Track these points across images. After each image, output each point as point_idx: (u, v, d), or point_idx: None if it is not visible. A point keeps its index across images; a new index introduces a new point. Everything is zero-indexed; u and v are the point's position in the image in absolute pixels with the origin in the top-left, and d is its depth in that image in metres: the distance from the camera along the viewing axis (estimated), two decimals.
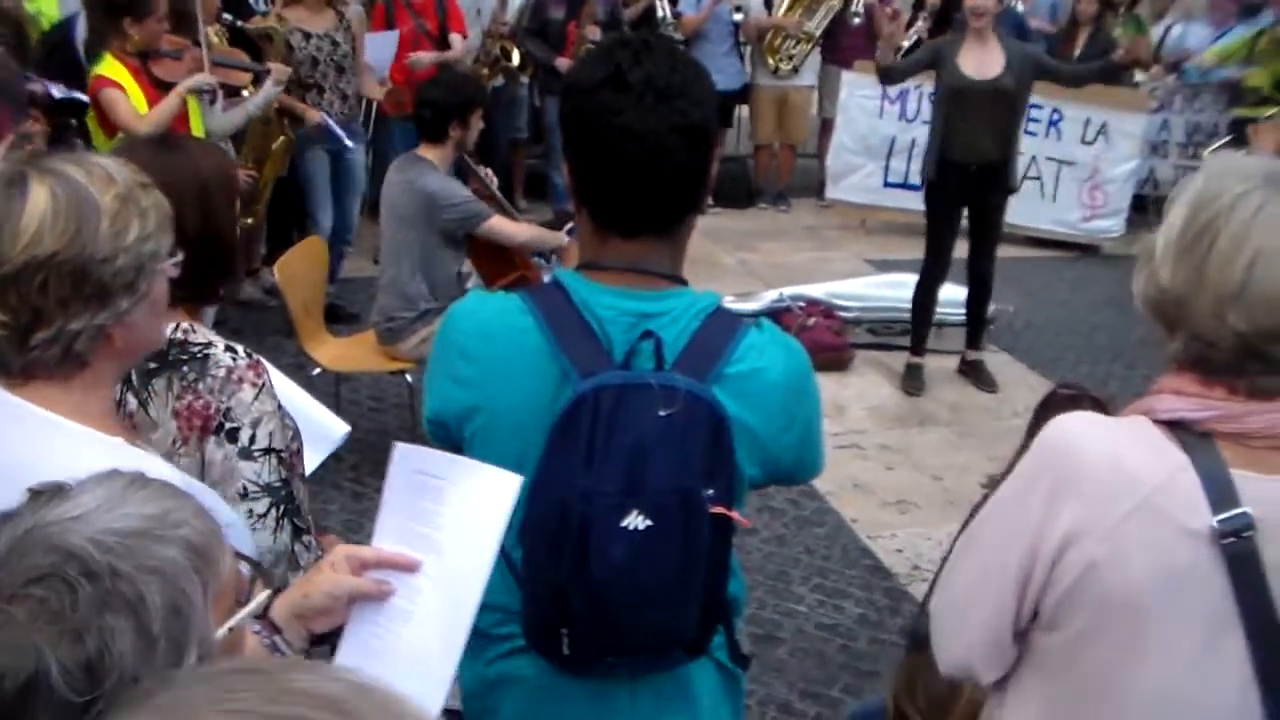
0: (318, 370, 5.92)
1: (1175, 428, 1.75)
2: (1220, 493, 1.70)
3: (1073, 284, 9.36)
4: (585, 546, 1.92)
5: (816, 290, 8.03)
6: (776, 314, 7.76)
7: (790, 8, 10.44)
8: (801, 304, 7.77)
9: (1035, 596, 1.79)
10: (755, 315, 7.82)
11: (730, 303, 7.82)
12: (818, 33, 10.49)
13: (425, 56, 8.14)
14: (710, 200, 10.52)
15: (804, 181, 11.27)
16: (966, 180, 6.78)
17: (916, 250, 9.57)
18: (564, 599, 1.97)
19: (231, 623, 1.32)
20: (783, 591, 5.11)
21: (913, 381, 7.29)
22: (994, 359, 7.72)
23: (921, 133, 9.97)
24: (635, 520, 1.91)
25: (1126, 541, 1.70)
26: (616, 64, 1.98)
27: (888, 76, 7.03)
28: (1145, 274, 1.80)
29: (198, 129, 5.63)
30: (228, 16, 6.61)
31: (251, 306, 7.61)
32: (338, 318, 7.29)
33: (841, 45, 10.61)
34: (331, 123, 7.08)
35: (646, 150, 1.95)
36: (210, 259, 2.33)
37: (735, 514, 1.98)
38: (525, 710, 2.20)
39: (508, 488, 1.73)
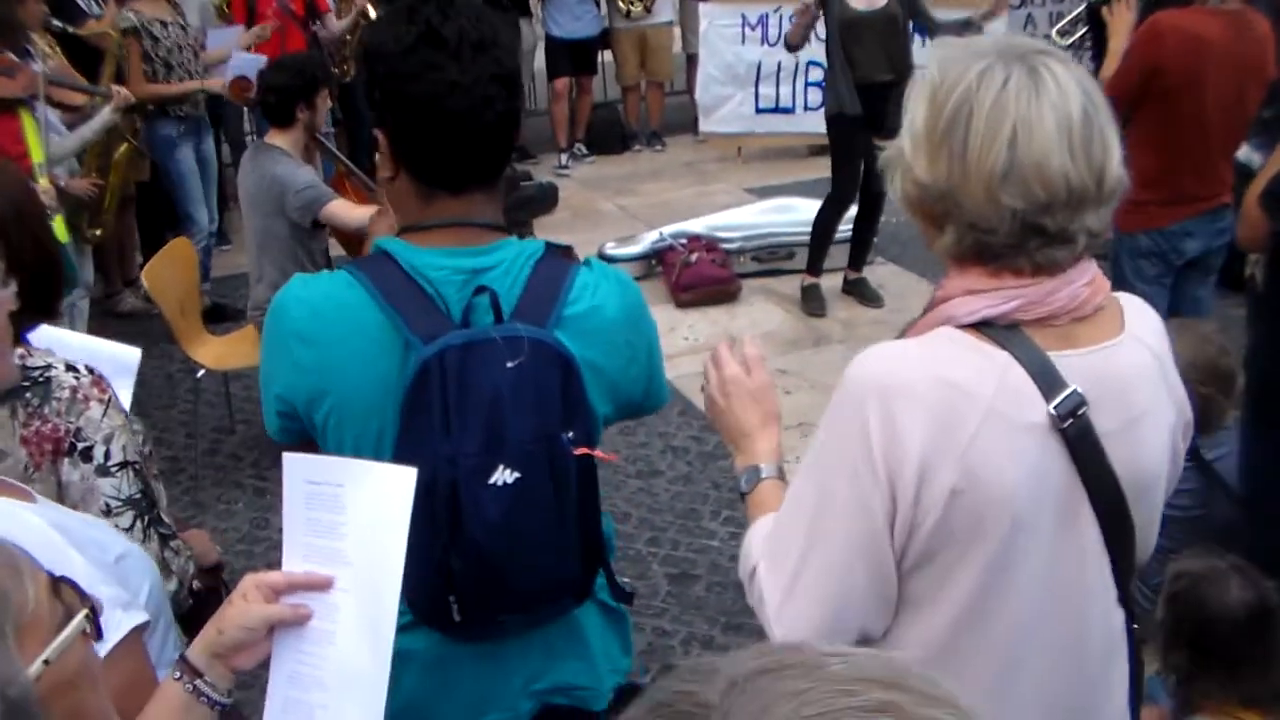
0: (203, 371, 5.83)
1: (983, 328, 1.71)
2: (1048, 379, 1.67)
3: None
4: (458, 510, 1.92)
5: (696, 225, 8.02)
6: (659, 253, 7.77)
7: None
8: (683, 240, 7.74)
9: (903, 541, 1.70)
10: (636, 259, 7.88)
11: (611, 248, 7.85)
12: None
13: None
14: (585, 149, 10.58)
15: (679, 119, 11.24)
16: (869, 99, 6.76)
17: (795, 173, 9.70)
18: (445, 566, 1.96)
19: (47, 653, 1.27)
20: (694, 529, 5.13)
21: (812, 302, 7.31)
22: (883, 270, 7.78)
23: (786, 55, 9.99)
24: (503, 475, 1.92)
25: (981, 459, 1.65)
26: (426, 21, 1.97)
27: (794, 49, 7.14)
28: (899, 174, 1.75)
29: (36, 154, 5.47)
30: (56, 23, 6.40)
31: (134, 317, 7.46)
32: (223, 316, 7.18)
33: None
34: (241, 60, 7.06)
35: (473, 103, 1.96)
36: (47, 277, 2.28)
37: (599, 452, 2.01)
38: (420, 684, 2.19)
39: (405, 482, 1.68)
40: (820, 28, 6.92)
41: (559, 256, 2.10)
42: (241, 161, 5.65)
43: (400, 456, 1.91)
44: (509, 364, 1.91)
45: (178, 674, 1.66)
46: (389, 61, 1.99)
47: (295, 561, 1.72)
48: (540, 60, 10.64)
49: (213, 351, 5.89)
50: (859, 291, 7.43)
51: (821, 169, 7.18)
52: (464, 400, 1.91)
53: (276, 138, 5.48)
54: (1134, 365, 1.76)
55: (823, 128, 7.13)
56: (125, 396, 2.56)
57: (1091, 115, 1.66)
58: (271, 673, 1.70)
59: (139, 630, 1.76)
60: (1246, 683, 2.77)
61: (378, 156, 2.10)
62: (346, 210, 5.39)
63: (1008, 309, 1.69)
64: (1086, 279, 1.72)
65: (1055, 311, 1.71)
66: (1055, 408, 1.67)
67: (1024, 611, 1.74)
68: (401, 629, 2.14)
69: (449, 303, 1.99)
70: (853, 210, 7.31)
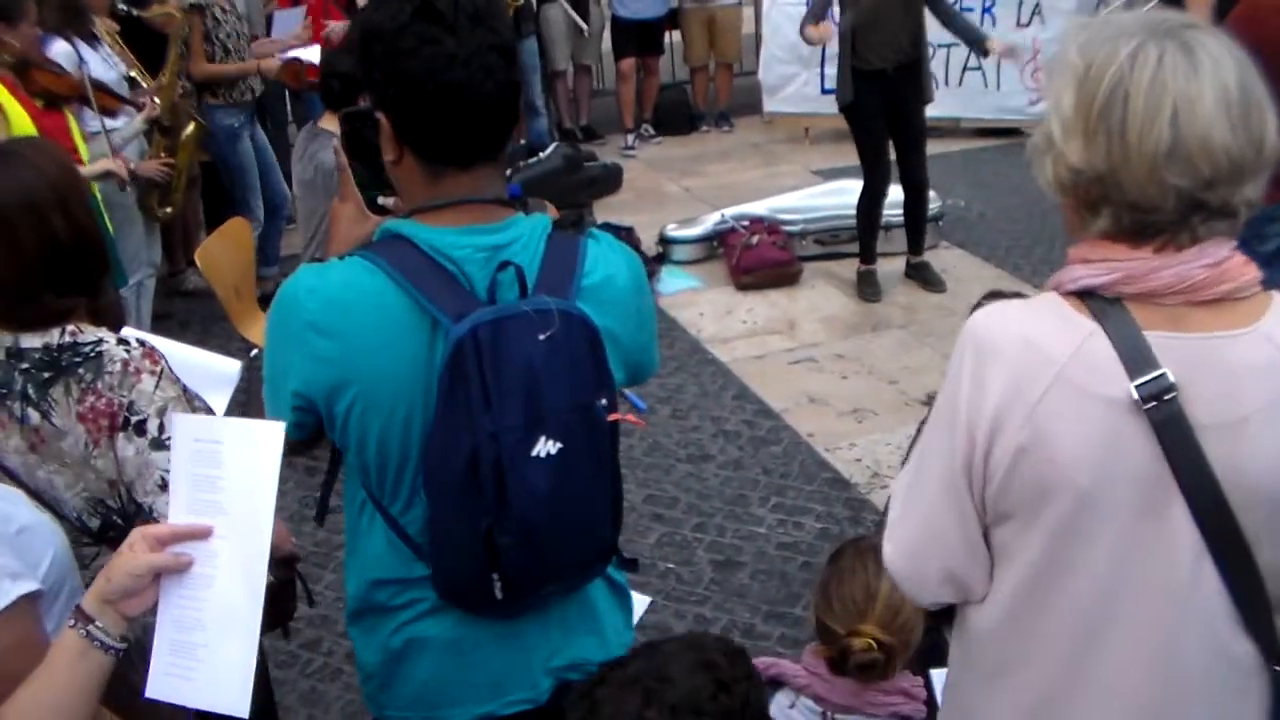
0: (257, 350, 5.84)
1: (1085, 297, 1.70)
2: (1136, 356, 1.64)
3: (1024, 170, 9.17)
4: (503, 484, 1.94)
5: (758, 207, 7.94)
6: (721, 235, 7.71)
7: None
8: (745, 222, 7.67)
9: (980, 492, 1.76)
10: (698, 241, 7.83)
11: (672, 230, 7.80)
12: None
13: (339, 25, 7.99)
14: (652, 130, 10.53)
15: (747, 100, 11.09)
16: (885, 86, 6.67)
17: None
18: (491, 544, 1.97)
19: None
20: (742, 515, 5.08)
21: (868, 288, 7.22)
22: (948, 255, 7.67)
23: None
24: (546, 447, 1.96)
25: (1048, 420, 1.66)
26: None
27: (815, 21, 6.90)
28: (1050, 160, 1.73)
29: (83, 151, 5.48)
30: (122, 6, 6.45)
31: (197, 295, 7.52)
32: None
33: None
34: (291, 54, 7.12)
35: (473, 74, 1.95)
36: (88, 258, 2.33)
37: (630, 416, 2.09)
38: (439, 669, 2.20)
39: (275, 436, 1.83)
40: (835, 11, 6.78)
41: (562, 231, 2.13)
42: (296, 145, 5.65)
43: (441, 436, 1.95)
44: (540, 336, 1.93)
45: (72, 621, 1.78)
46: (385, 39, 1.98)
47: (180, 513, 1.86)
48: (607, 41, 10.59)
49: None
50: (921, 276, 7.32)
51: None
52: (501, 375, 1.92)
53: (331, 122, 5.44)
54: (1251, 362, 1.66)
55: None
56: (221, 406, 2.59)
57: (1249, 86, 1.64)
58: (158, 617, 1.84)
59: (29, 599, 1.87)
60: None
61: (381, 140, 2.07)
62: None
63: (1108, 280, 1.69)
64: (1207, 261, 1.66)
65: (1158, 289, 1.66)
66: (1139, 386, 1.63)
67: (1095, 590, 1.72)
68: (416, 618, 2.16)
69: (474, 280, 1.99)
70: (899, 195, 7.20)
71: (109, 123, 5.83)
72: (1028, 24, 9.70)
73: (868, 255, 7.26)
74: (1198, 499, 1.65)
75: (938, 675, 2.43)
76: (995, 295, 3.42)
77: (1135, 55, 1.63)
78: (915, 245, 7.37)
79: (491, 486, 1.93)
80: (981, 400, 1.70)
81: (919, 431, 2.16)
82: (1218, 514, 1.66)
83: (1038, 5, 9.67)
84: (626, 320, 2.12)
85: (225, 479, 1.83)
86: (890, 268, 7.36)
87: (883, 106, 6.75)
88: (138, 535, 1.82)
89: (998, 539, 1.79)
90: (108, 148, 5.78)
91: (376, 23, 2.00)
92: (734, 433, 5.73)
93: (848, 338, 6.71)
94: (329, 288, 2.03)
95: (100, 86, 5.84)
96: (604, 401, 2.01)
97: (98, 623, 1.77)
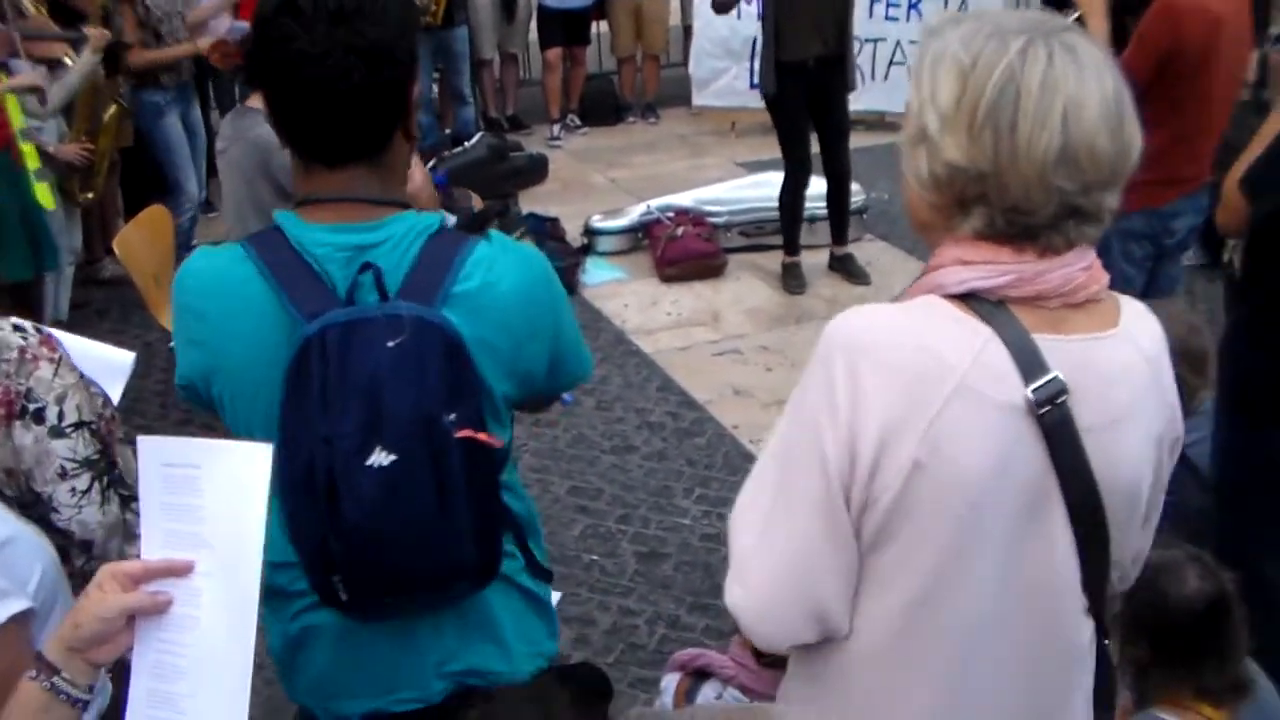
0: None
1: (969, 299, 1.65)
2: (1029, 361, 1.60)
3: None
4: (335, 491, 1.87)
5: (683, 199, 7.95)
6: (646, 227, 7.71)
7: None
8: (670, 214, 7.68)
9: (858, 515, 1.66)
10: (623, 232, 7.84)
11: (597, 221, 7.79)
12: None
13: None
14: (578, 121, 10.51)
15: (675, 91, 11.08)
16: (808, 78, 6.69)
17: None
18: (326, 548, 1.92)
19: None
20: (666, 506, 5.08)
21: (793, 280, 7.25)
22: (871, 247, 7.72)
23: None
24: (379, 457, 1.86)
25: (949, 432, 1.58)
26: None
27: (723, 4, 6.99)
28: (924, 154, 1.66)
29: (17, 119, 5.39)
30: None
31: (115, 284, 7.41)
32: None
33: None
34: (233, 25, 6.98)
35: (325, 74, 1.90)
36: None
37: (483, 435, 1.93)
38: (333, 659, 2.17)
39: (261, 459, 1.63)
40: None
41: (455, 231, 2.06)
42: (222, 127, 5.55)
43: (282, 436, 1.88)
44: (390, 343, 1.86)
45: (34, 672, 1.59)
46: (258, 28, 1.96)
47: (154, 548, 1.65)
48: (534, 31, 10.55)
49: None
50: (845, 268, 7.36)
51: (815, 143, 7.09)
52: (343, 379, 1.86)
53: (259, 101, 5.35)
54: (1121, 363, 1.69)
55: None
56: (116, 395, 2.53)
57: (1121, 93, 1.63)
58: (133, 664, 1.64)
59: (19, 618, 1.72)
60: (1204, 675, 2.72)
61: None
62: None
63: (998, 283, 1.63)
64: (1083, 264, 1.66)
65: (1046, 291, 1.64)
66: (1034, 391, 1.60)
67: (981, 604, 1.68)
68: (312, 605, 2.14)
69: (335, 280, 1.94)
70: (823, 188, 7.22)
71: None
72: (907, 19, 9.78)
73: (791, 247, 7.29)
74: (1077, 500, 1.66)
75: None
76: None
77: (1025, 53, 1.59)
78: (839, 236, 7.39)
79: (323, 491, 1.88)
80: (864, 413, 1.60)
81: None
82: (1092, 513, 1.67)
83: (964, 3, 9.76)
84: (509, 330, 2.02)
85: (206, 508, 1.64)
86: (814, 260, 7.39)
87: (805, 98, 6.77)
88: (107, 573, 1.62)
89: (874, 565, 1.70)
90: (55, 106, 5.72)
91: (257, 10, 1.99)
92: (658, 424, 5.73)
93: (772, 329, 6.73)
94: (204, 272, 2.03)
95: (35, 35, 5.75)
96: (452, 416, 1.90)
97: (63, 673, 1.59)
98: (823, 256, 7.46)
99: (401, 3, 2.00)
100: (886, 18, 9.62)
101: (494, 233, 2.08)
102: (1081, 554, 1.70)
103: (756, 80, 9.93)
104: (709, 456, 5.44)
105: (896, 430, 1.59)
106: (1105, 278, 1.71)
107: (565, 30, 10.32)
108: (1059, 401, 1.60)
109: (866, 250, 7.52)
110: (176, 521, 1.65)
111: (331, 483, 1.87)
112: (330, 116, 1.94)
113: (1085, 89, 1.58)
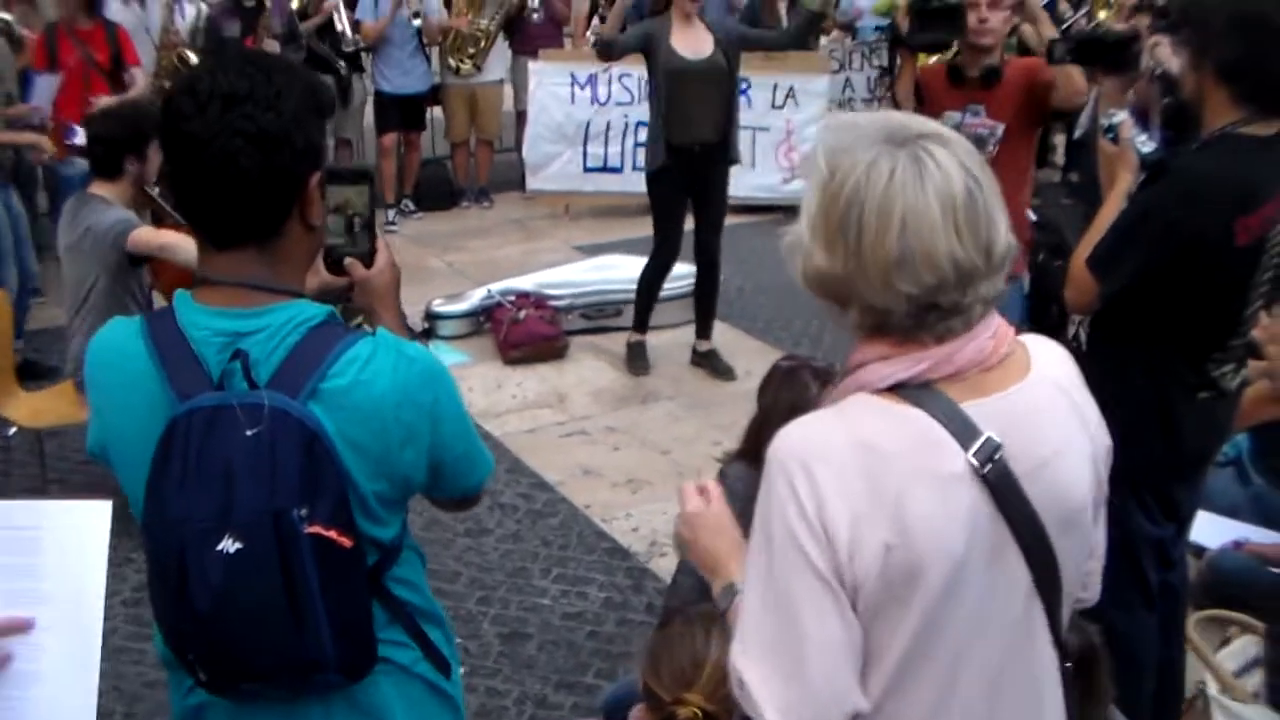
0: (14, 430, 5.63)
1: (896, 390, 1.78)
2: (962, 429, 1.75)
3: (780, 247, 9.52)
4: (185, 573, 1.88)
5: (525, 282, 8.03)
6: (488, 310, 7.76)
7: (461, 9, 10.42)
8: (512, 298, 7.74)
9: (851, 600, 1.74)
10: (464, 316, 7.84)
11: (439, 305, 7.81)
12: (493, 29, 10.48)
13: (108, 101, 7.74)
14: (413, 205, 10.54)
15: (507, 176, 11.23)
16: (691, 162, 6.81)
17: (623, 232, 9.77)
18: (180, 627, 1.94)
19: None
20: (525, 587, 5.10)
21: (637, 361, 7.33)
22: (725, 334, 7.84)
23: (615, 115, 10.14)
24: (228, 544, 1.86)
25: (912, 514, 1.71)
26: (194, 72, 2.00)
27: (606, 51, 6.93)
28: (801, 258, 1.82)
29: None
30: None
31: None
32: (36, 373, 6.88)
33: (529, 36, 10.71)
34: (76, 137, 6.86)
35: (213, 158, 1.92)
36: None
37: (333, 533, 1.91)
38: None
39: (100, 517, 1.75)
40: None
41: (339, 325, 2.04)
42: (64, 212, 5.46)
43: (145, 513, 1.92)
44: (249, 432, 1.87)
45: None
46: (162, 110, 2.00)
47: None
48: (369, 116, 10.57)
49: (27, 407, 5.70)
50: (710, 364, 7.31)
51: (651, 227, 7.22)
52: (200, 464, 1.88)
53: (101, 189, 5.27)
54: (1042, 405, 1.84)
55: None
56: None
57: (975, 193, 1.74)
58: None
59: None
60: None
61: None
62: (153, 235, 5.18)
63: (918, 370, 1.76)
64: (989, 332, 1.81)
65: (963, 367, 1.78)
66: (974, 455, 1.73)
67: (958, 643, 1.79)
68: None
69: (210, 364, 1.95)
70: (681, 269, 7.34)
71: None
72: (781, 106, 10.12)
73: (641, 326, 7.35)
74: (1028, 541, 1.79)
75: None
76: (784, 366, 3.56)
77: (870, 168, 1.73)
78: (704, 328, 7.40)
79: (175, 572, 1.88)
80: (833, 514, 1.71)
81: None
82: (1041, 550, 1.81)
83: (791, 89, 10.12)
84: (381, 431, 1.99)
85: (46, 565, 1.70)
86: (655, 341, 7.50)
87: (686, 182, 6.88)
88: None
89: (870, 639, 1.78)
90: None
91: (169, 88, 2.05)
92: (511, 506, 5.76)
93: (618, 410, 6.83)
94: (106, 344, 2.09)
95: None
96: (304, 511, 1.88)
97: None
98: (663, 336, 7.57)
99: (303, 91, 2.01)
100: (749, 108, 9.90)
101: (383, 331, 2.08)
102: (1040, 586, 1.83)
103: (591, 164, 10.23)
104: (564, 536, 5.49)
105: (863, 523, 1.71)
106: (1011, 332, 1.86)
107: (401, 115, 10.37)
108: (996, 457, 1.74)
109: (718, 335, 7.56)
110: (18, 581, 1.72)
111: (183, 565, 1.87)
112: (218, 199, 1.96)
113: (924, 198, 1.71)
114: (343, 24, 10.01)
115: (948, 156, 1.75)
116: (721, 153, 6.89)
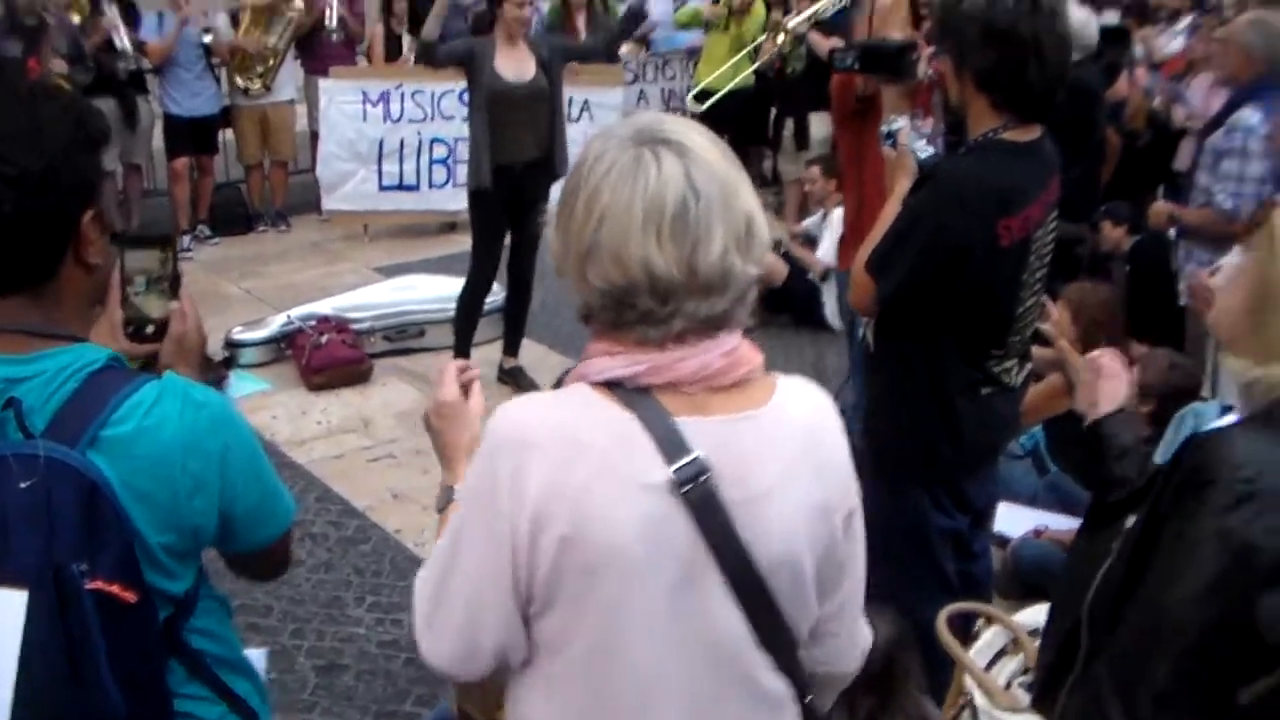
0: None
1: (614, 387, 1.79)
2: (670, 443, 1.75)
3: None
4: None
5: (324, 306, 7.94)
6: (289, 336, 7.64)
7: (248, 28, 10.23)
8: (312, 322, 7.64)
9: (526, 581, 1.78)
10: (264, 343, 7.68)
11: (238, 333, 7.67)
12: (281, 46, 10.33)
13: None
14: (208, 231, 10.30)
15: (304, 198, 11.04)
16: (516, 179, 6.78)
17: (423, 251, 9.73)
18: None
19: None
20: (339, 617, 5.05)
21: (523, 380, 7.23)
22: (532, 350, 7.83)
23: (408, 132, 10.07)
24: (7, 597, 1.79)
25: (591, 509, 1.72)
26: None
27: (429, 56, 6.83)
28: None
29: None
30: None
31: None
32: None
33: (321, 55, 10.59)
34: None
35: None
36: None
37: (115, 588, 1.84)
38: None
39: (13, 606, 1.66)
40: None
41: (121, 371, 1.97)
42: None
43: None
44: (23, 484, 1.78)
45: None
46: None
47: None
48: (159, 139, 10.30)
49: None
50: (515, 381, 7.30)
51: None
52: None
53: None
54: (768, 439, 1.82)
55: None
56: None
57: (689, 206, 1.73)
58: None
59: None
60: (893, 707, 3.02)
61: None
62: None
63: (634, 371, 1.77)
64: (722, 350, 1.80)
65: (683, 378, 1.78)
66: (676, 471, 1.74)
67: (648, 663, 1.80)
68: None
69: None
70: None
71: None
72: (578, 119, 10.15)
73: (464, 349, 7.17)
74: (732, 569, 1.79)
75: None
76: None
77: (597, 161, 1.77)
78: (512, 346, 7.41)
79: None
80: (522, 495, 1.73)
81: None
82: (749, 580, 1.81)
83: (586, 103, 10.17)
84: (166, 480, 1.91)
85: None
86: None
87: (509, 199, 6.84)
88: None
89: (543, 630, 1.83)
90: None
91: None
92: (321, 535, 5.69)
93: (424, 433, 6.72)
94: None
95: None
96: (84, 566, 1.80)
97: None
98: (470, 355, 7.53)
99: (71, 125, 1.92)
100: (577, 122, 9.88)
101: (171, 375, 2.01)
102: (752, 619, 1.84)
103: (387, 183, 10.13)
104: (376, 563, 5.45)
105: (547, 509, 1.73)
106: (757, 360, 1.86)
107: (192, 138, 10.11)
108: (701, 480, 1.75)
109: (522, 351, 7.58)
110: None
111: None
112: None
113: (629, 197, 1.73)
114: (123, 42, 9.67)
115: (675, 165, 1.75)
116: (545, 168, 6.86)
